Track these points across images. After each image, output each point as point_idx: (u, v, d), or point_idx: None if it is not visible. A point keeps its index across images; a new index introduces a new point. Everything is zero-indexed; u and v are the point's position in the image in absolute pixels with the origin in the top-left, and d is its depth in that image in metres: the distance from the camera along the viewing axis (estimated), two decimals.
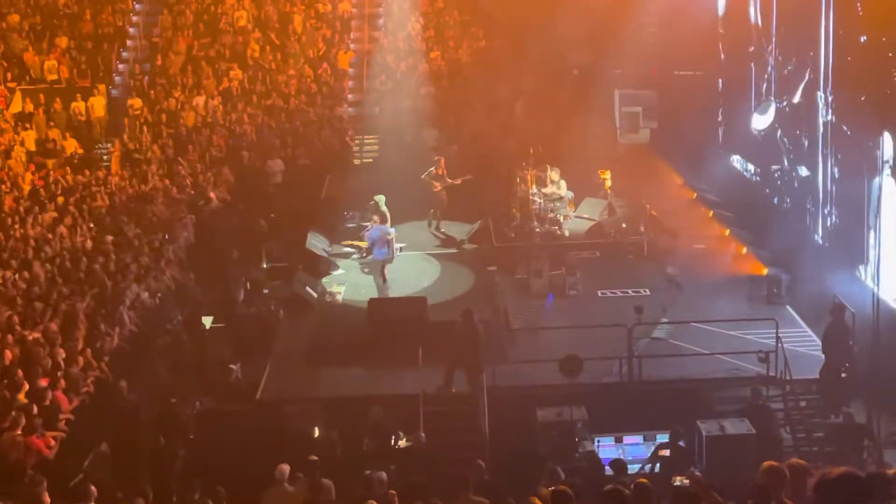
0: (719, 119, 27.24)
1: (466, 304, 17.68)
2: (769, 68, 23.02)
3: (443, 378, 16.09)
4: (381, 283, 21.06)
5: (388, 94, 30.26)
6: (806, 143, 21.04)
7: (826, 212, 20.26)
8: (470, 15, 32.83)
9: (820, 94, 20.13)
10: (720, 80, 27.03)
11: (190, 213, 23.63)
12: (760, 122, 23.00)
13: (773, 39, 22.83)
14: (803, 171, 21.15)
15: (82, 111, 29.24)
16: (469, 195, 24.17)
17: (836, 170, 19.73)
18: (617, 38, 27.17)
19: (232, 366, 17.20)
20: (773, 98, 22.64)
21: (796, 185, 21.71)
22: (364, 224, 22.95)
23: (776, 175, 23.03)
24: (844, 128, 19.22)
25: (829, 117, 19.84)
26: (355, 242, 22.81)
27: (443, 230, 23.97)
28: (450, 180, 23.75)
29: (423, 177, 23.93)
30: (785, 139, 22.23)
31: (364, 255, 22.32)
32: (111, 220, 22.65)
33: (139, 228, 21.96)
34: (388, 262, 21.33)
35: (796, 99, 21.28)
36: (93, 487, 11.32)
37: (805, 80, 20.78)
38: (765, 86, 23.35)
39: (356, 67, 31.97)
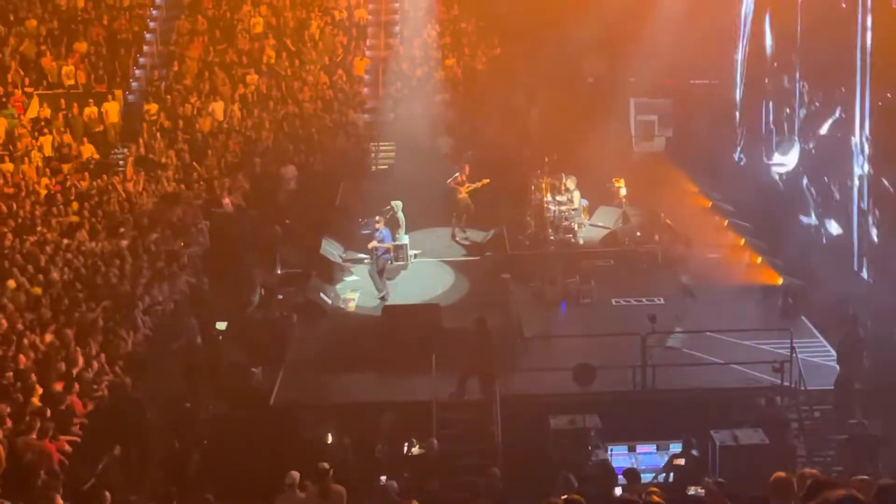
0: (737, 157, 26.21)
1: (479, 311, 17.67)
2: (794, 102, 20.84)
3: (456, 385, 16.08)
4: (377, 286, 20.86)
5: (404, 100, 30.26)
6: (837, 195, 18.45)
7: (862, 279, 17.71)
8: (486, 23, 32.83)
9: (855, 139, 17.40)
10: (737, 115, 26.11)
11: (205, 218, 23.67)
12: (782, 163, 21.44)
13: (797, 71, 20.59)
14: (834, 229, 19.02)
15: (96, 116, 29.34)
16: (484, 203, 24.18)
17: (875, 232, 17.17)
18: (632, 47, 27.11)
19: (254, 369, 17.25)
20: (796, 138, 20.94)
21: (824, 241, 19.64)
22: (376, 229, 22.90)
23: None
24: (885, 182, 16.69)
25: (867, 169, 17.07)
26: (384, 245, 22.61)
27: (464, 237, 23.93)
28: (469, 184, 23.78)
29: (448, 182, 23.95)
30: (812, 188, 19.99)
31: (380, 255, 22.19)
32: (133, 223, 22.68)
33: (160, 231, 22.01)
34: (401, 268, 21.31)
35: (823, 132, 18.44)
36: (106, 492, 11.35)
37: (834, 119, 18.33)
38: (786, 123, 21.15)
39: (372, 74, 32.00)
